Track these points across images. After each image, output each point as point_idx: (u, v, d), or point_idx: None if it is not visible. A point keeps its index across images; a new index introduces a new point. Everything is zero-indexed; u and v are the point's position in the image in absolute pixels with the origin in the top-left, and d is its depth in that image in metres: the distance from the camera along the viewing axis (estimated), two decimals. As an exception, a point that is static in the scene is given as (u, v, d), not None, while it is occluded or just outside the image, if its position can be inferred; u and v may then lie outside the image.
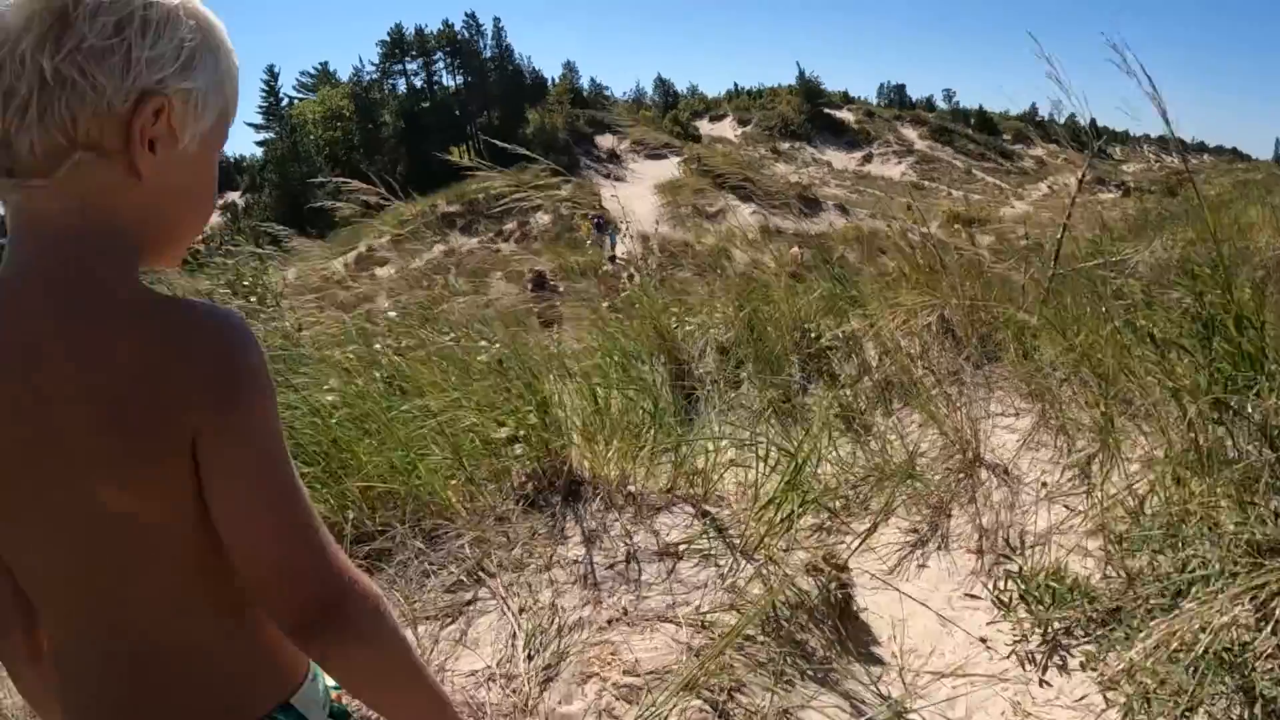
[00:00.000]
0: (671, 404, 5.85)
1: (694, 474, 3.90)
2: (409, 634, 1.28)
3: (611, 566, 3.34)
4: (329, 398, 4.11)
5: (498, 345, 5.08)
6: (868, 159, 70.94)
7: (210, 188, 1.21)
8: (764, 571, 3.35)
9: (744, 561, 3.40)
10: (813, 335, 5.41)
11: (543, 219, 40.11)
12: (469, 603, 3.23)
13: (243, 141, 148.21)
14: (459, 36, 75.38)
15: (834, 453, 4.56)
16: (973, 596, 3.59)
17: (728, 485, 3.99)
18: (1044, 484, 4.08)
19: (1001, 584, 3.52)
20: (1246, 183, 39.42)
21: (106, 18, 0.99)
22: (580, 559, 3.38)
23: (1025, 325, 5.14)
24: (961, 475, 4.24)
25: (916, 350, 5.47)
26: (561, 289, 17.97)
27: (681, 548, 3.43)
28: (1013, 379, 4.91)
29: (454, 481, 3.74)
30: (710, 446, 4.07)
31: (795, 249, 22.57)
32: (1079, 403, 4.58)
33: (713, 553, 3.42)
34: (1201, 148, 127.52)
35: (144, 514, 1.06)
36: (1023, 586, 3.42)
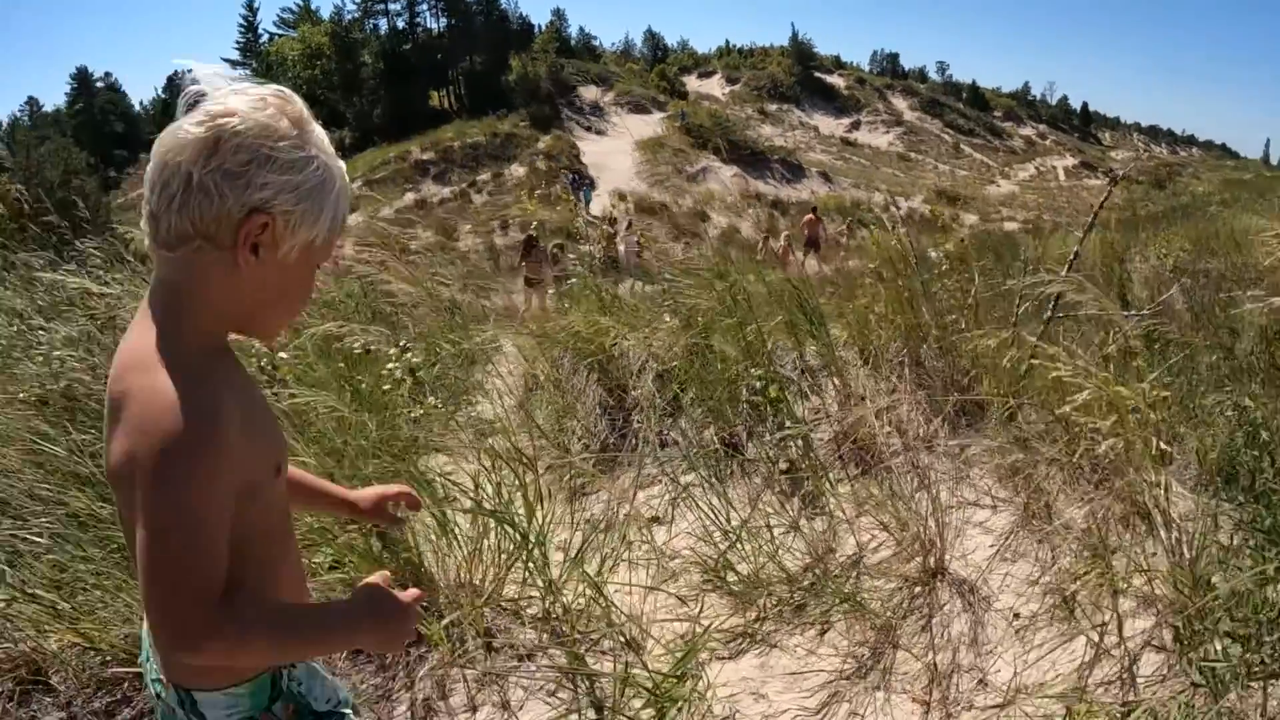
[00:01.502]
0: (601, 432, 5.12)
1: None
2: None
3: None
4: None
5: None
6: (855, 126, 70.04)
7: (300, 292, 1.57)
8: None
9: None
10: (758, 384, 4.56)
11: (518, 170, 39.08)
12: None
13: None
14: (444, -23, 73.47)
15: (769, 537, 3.75)
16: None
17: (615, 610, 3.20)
18: (1016, 614, 3.29)
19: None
20: (1237, 182, 39.17)
21: (242, 153, 1.36)
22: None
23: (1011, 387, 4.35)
24: (918, 588, 3.44)
25: (883, 395, 4.65)
26: (551, 252, 17.17)
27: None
28: (993, 456, 4.10)
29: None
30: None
31: (782, 241, 21.79)
32: (1069, 493, 3.80)
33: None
34: (1191, 141, 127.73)
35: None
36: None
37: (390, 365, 5.24)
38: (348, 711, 1.80)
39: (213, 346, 1.47)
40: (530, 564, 3.27)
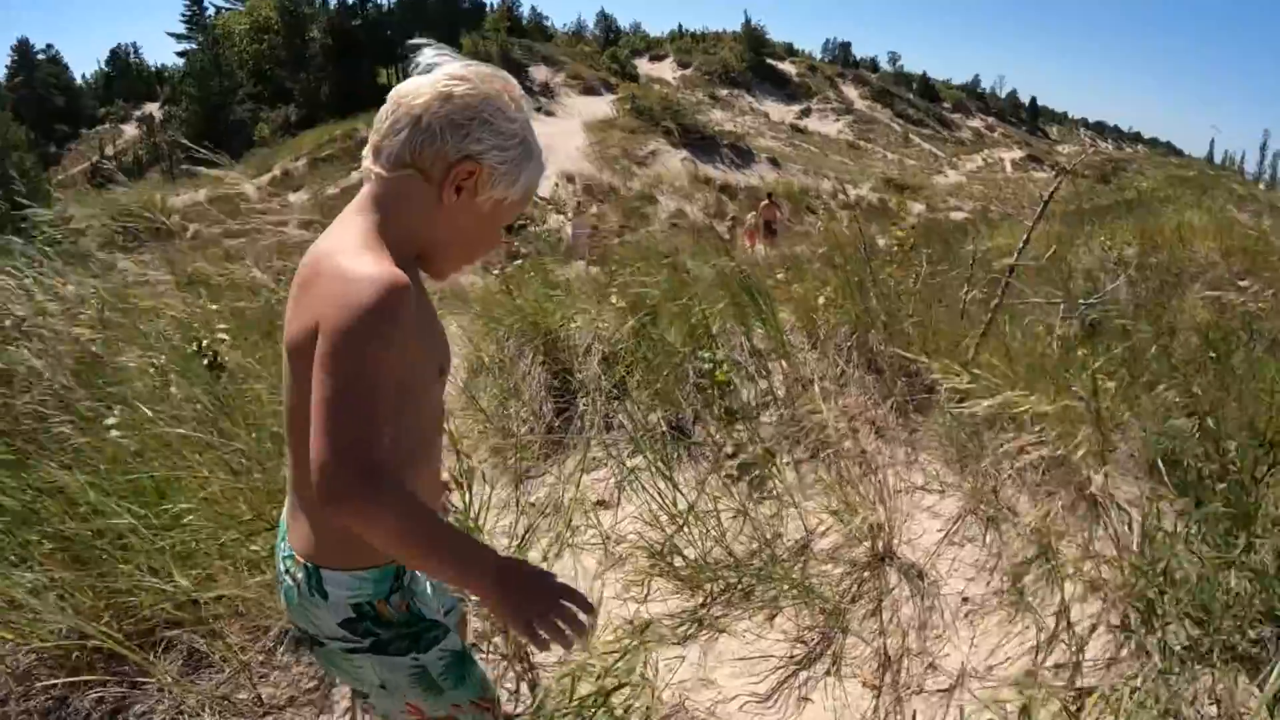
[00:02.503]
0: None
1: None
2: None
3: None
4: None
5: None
6: (806, 113, 70.06)
7: (484, 241, 1.80)
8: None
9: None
10: (707, 367, 4.51)
11: (467, 150, 38.67)
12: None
13: (164, 51, 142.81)
14: (396, -48, 72.40)
15: (716, 522, 3.70)
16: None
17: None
18: (965, 598, 3.28)
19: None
20: (1181, 179, 39.81)
21: (468, 110, 1.61)
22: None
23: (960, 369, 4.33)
24: (867, 573, 3.41)
25: (832, 379, 4.61)
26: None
27: None
28: (941, 441, 4.08)
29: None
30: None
31: (751, 218, 21.78)
32: (1017, 481, 3.79)
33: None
34: (1137, 138, 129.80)
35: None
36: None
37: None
38: (451, 626, 1.88)
39: (405, 255, 1.64)
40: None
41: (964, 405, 4.26)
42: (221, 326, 4.54)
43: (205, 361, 4.34)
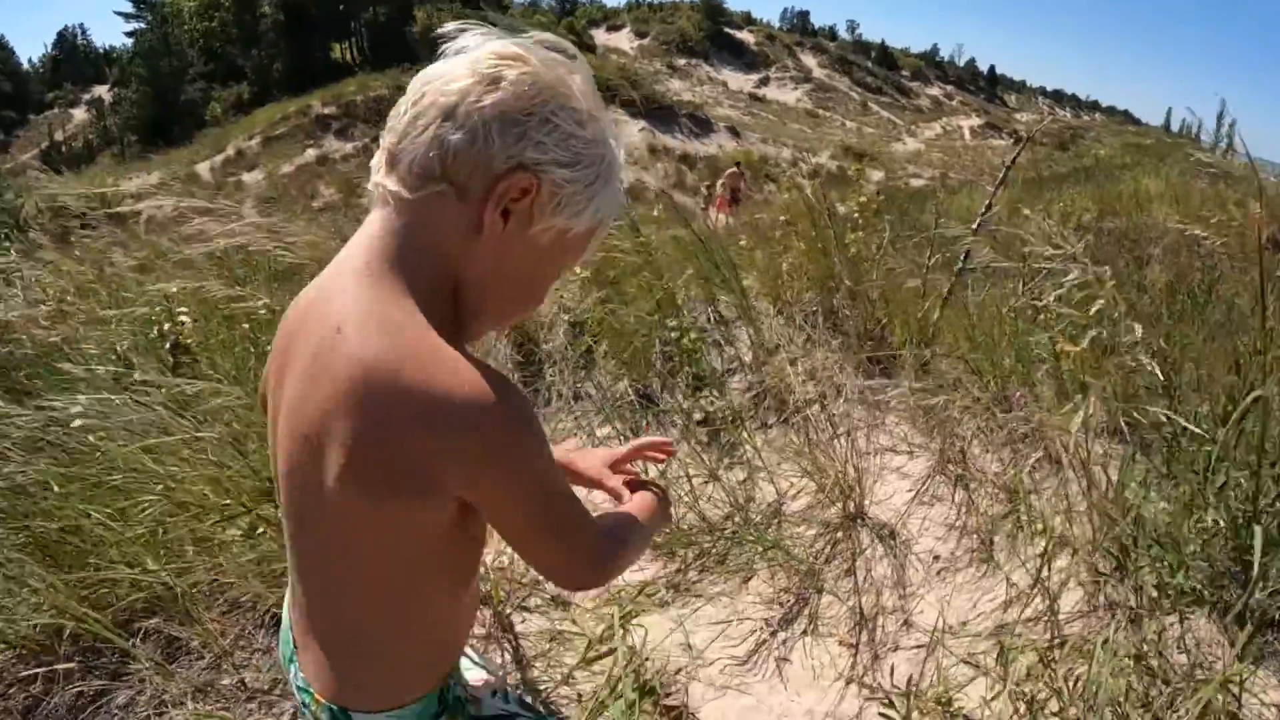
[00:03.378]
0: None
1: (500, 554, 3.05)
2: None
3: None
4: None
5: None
6: (764, 82, 70.16)
7: (537, 288, 1.28)
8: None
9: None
10: (674, 335, 4.51)
11: (423, 123, 38.29)
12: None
13: (113, 32, 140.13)
14: (349, -78, 71.19)
15: (688, 487, 3.72)
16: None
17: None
18: (936, 556, 3.32)
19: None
20: (1138, 147, 40.24)
21: (523, 101, 1.12)
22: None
23: (924, 333, 4.37)
24: (839, 533, 3.44)
25: (798, 345, 4.64)
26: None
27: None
28: (908, 402, 4.12)
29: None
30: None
31: (720, 187, 21.85)
32: (984, 440, 3.83)
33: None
34: (1095, 106, 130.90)
35: None
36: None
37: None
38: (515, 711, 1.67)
39: (445, 314, 1.19)
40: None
41: (928, 369, 4.32)
42: (182, 310, 4.47)
43: (168, 346, 4.30)
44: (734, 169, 22.89)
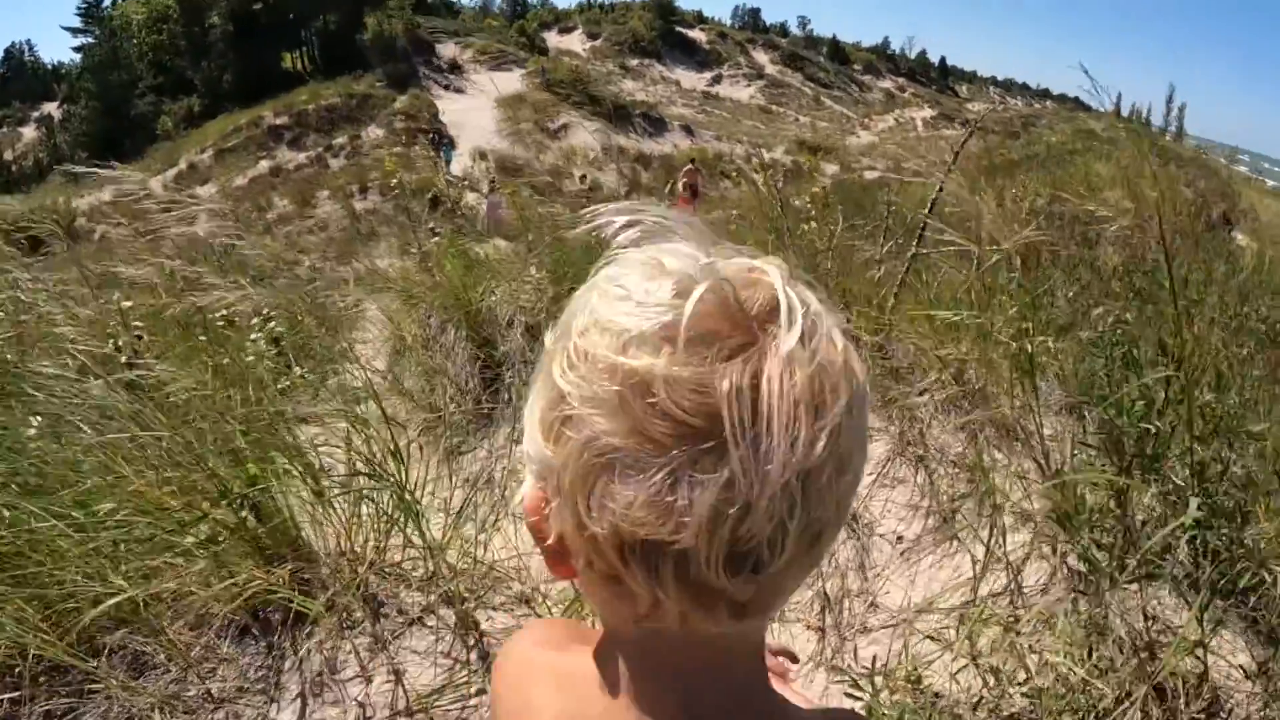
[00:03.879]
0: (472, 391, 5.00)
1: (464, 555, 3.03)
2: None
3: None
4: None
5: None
6: (717, 80, 70.39)
7: None
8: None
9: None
10: None
11: (375, 132, 38.10)
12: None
13: (60, 47, 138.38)
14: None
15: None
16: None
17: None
18: (899, 537, 3.34)
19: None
20: (1089, 133, 40.74)
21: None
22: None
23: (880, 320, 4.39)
24: (803, 519, 3.46)
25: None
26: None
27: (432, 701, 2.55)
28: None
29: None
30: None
31: (680, 188, 22.04)
32: (942, 422, 3.86)
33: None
34: (1046, 94, 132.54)
35: None
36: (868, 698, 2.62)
37: (253, 336, 5.08)
38: None
39: None
40: (410, 526, 3.16)
41: (885, 354, 4.35)
42: (137, 324, 4.42)
43: (124, 360, 4.24)
44: (690, 166, 23.07)
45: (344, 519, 3.16)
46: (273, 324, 5.36)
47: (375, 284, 7.19)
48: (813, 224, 5.50)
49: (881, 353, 4.39)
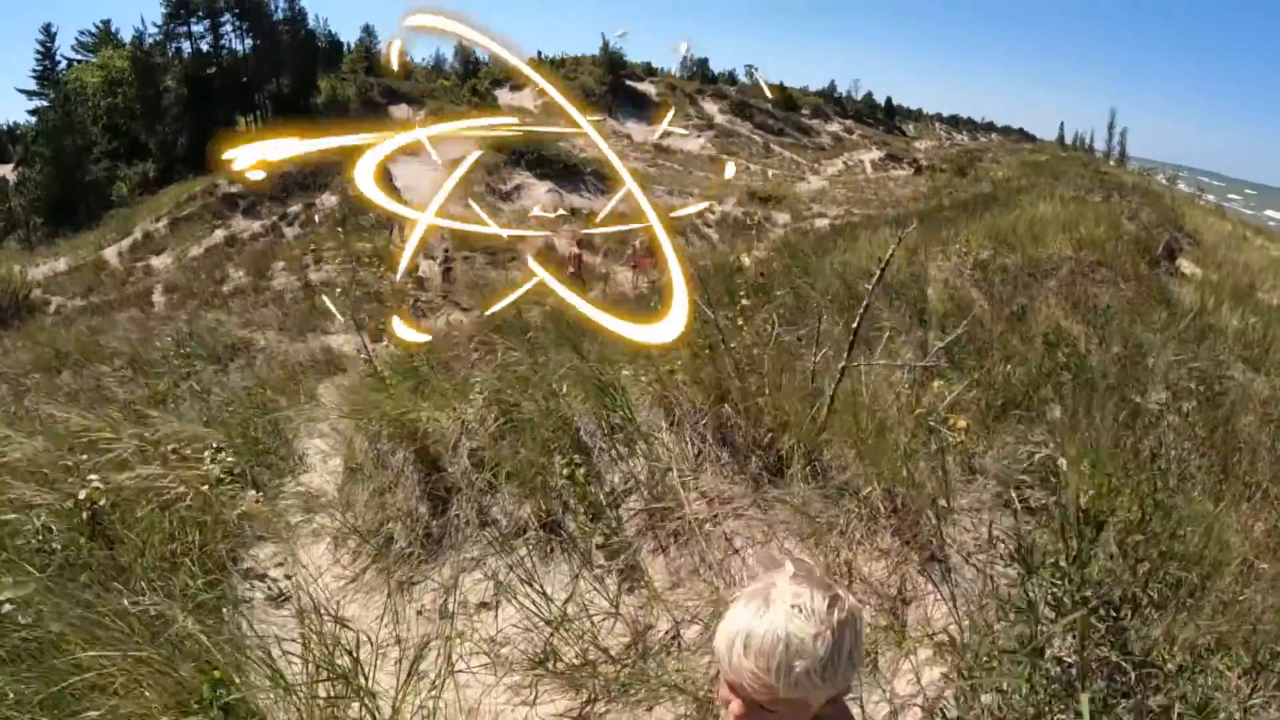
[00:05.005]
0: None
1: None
2: None
3: None
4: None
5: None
6: (667, 132, 70.98)
7: None
8: None
9: None
10: (566, 476, 4.60)
11: (330, 200, 38.11)
12: None
13: (15, 109, 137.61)
14: (248, -3, 70.79)
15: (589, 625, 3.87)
16: None
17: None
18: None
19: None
20: (1034, 165, 41.60)
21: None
22: None
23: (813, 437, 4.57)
24: (734, 661, 3.61)
25: (690, 461, 4.78)
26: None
27: None
28: (795, 516, 4.30)
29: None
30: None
31: (638, 245, 22.34)
32: (868, 550, 4.04)
33: None
34: (990, 127, 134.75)
35: None
36: None
37: (206, 466, 5.23)
38: None
39: None
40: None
41: (816, 473, 4.52)
42: (93, 478, 4.53)
43: (86, 515, 4.35)
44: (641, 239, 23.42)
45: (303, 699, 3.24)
46: (223, 454, 5.50)
47: (325, 405, 7.30)
48: (745, 323, 5.68)
49: (813, 471, 4.54)
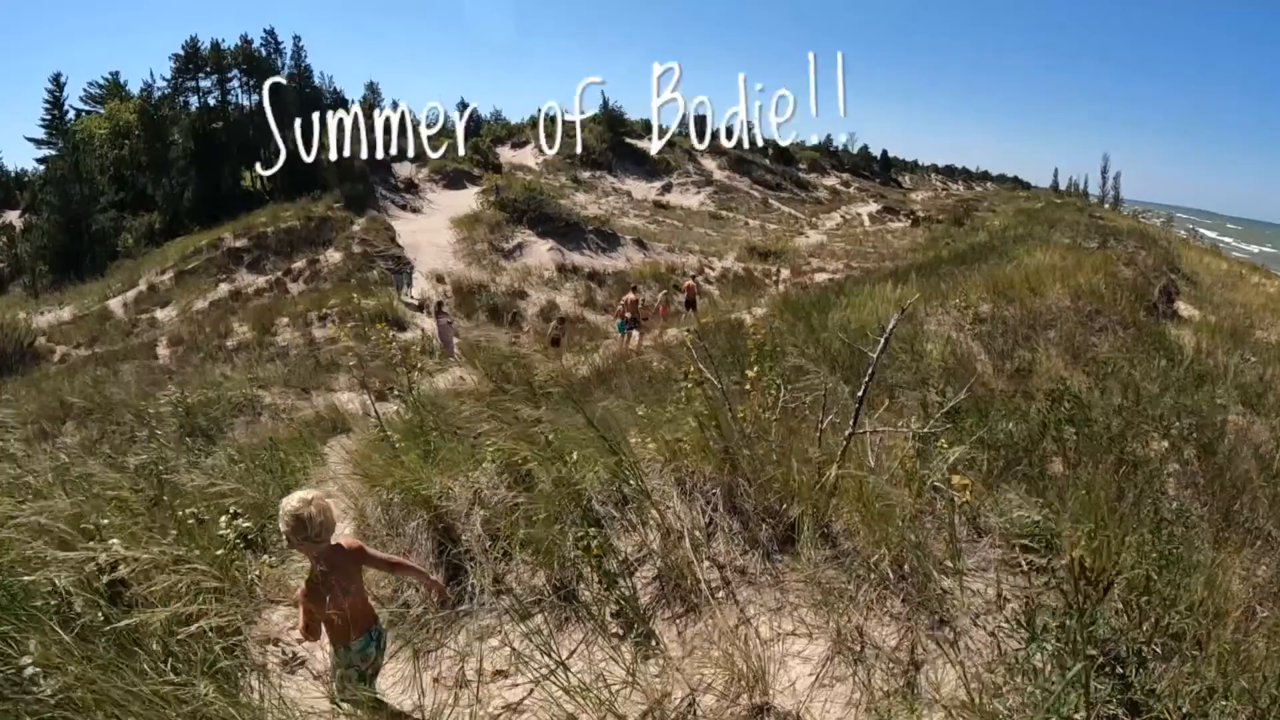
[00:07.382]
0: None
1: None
2: None
3: None
4: None
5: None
6: (667, 189, 71.58)
7: None
8: None
9: None
10: (580, 548, 4.67)
11: (334, 256, 38.35)
12: None
13: (24, 156, 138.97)
14: (256, 54, 71.51)
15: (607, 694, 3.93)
16: None
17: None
18: (841, 745, 3.57)
19: None
20: (1029, 212, 41.97)
21: None
22: None
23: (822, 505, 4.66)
24: (746, 732, 3.68)
25: (700, 529, 4.85)
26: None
27: None
28: (807, 585, 4.37)
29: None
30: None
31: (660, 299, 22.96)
32: (878, 610, 4.11)
33: None
34: (985, 176, 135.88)
35: None
36: None
37: (221, 531, 5.31)
38: None
39: None
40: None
41: (827, 539, 4.61)
42: (115, 541, 4.61)
43: (105, 580, 4.42)
44: (629, 296, 24.31)
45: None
46: (239, 520, 5.57)
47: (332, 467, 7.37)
48: (752, 396, 5.77)
49: (824, 537, 4.62)
